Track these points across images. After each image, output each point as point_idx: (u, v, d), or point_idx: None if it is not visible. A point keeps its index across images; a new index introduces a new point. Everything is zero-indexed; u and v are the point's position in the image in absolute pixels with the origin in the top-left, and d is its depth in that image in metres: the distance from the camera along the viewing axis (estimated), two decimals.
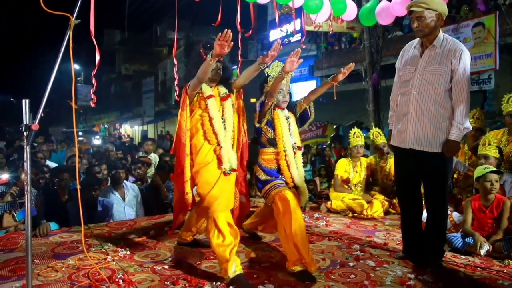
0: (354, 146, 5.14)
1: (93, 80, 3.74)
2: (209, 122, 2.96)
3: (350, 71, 3.20)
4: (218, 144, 2.95)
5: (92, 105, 3.85)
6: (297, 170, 3.22)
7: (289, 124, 3.27)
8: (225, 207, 2.86)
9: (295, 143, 3.27)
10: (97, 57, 3.52)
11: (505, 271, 3.00)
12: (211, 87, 3.04)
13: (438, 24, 2.98)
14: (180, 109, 3.01)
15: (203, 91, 3.00)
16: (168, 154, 7.63)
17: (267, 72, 3.25)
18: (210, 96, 2.99)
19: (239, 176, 3.20)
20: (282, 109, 3.27)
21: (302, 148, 3.44)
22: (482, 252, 3.26)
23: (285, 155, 3.18)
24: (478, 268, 3.05)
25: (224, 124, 3.00)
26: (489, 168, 3.51)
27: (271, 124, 3.21)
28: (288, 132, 3.23)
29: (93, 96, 3.91)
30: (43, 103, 2.37)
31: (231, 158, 2.97)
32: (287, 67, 2.88)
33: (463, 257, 3.31)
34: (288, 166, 3.19)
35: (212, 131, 2.96)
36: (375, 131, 5.30)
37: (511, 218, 3.52)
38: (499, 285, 2.76)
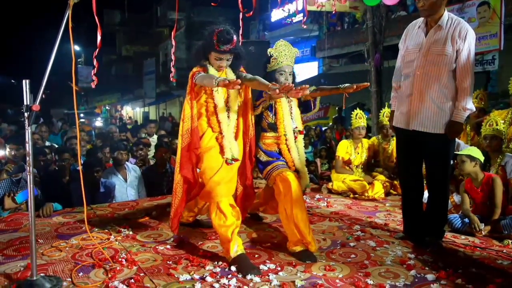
0: (356, 127, 5.13)
1: (95, 62, 3.72)
2: (213, 109, 2.93)
3: (362, 88, 3.09)
4: (221, 133, 2.92)
5: (93, 86, 3.83)
6: (298, 154, 3.21)
7: (291, 107, 3.22)
8: (227, 193, 2.86)
9: (296, 127, 3.24)
10: (99, 37, 3.49)
11: (504, 251, 3.02)
12: (218, 71, 2.98)
13: (443, 3, 2.92)
14: (187, 96, 2.94)
15: None
16: (167, 135, 7.66)
17: (270, 52, 3.17)
18: None
19: (247, 169, 3.14)
20: None
21: (304, 132, 3.41)
22: (482, 228, 3.30)
23: (286, 139, 3.17)
24: (478, 248, 3.07)
25: (228, 113, 2.96)
26: (466, 149, 3.52)
27: (272, 108, 3.17)
28: (289, 116, 3.19)
29: (94, 78, 3.90)
30: (43, 84, 2.36)
31: (233, 148, 2.93)
32: (291, 94, 2.64)
33: (463, 237, 3.33)
34: (289, 150, 3.18)
35: (215, 118, 2.93)
36: (386, 111, 5.25)
37: (508, 198, 3.55)
38: (498, 264, 2.78)
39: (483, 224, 3.35)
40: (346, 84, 2.95)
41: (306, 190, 3.47)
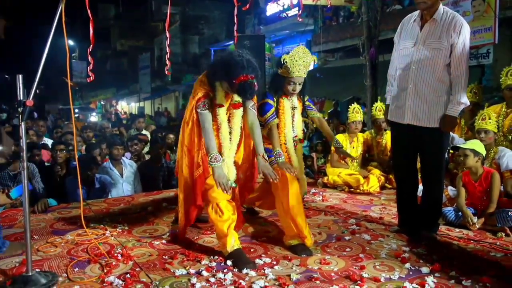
0: (353, 121, 5.14)
1: (90, 58, 3.70)
2: (216, 131, 2.84)
3: (351, 159, 3.29)
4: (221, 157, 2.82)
5: (89, 81, 3.80)
6: (298, 163, 3.21)
7: (294, 115, 3.21)
8: (223, 196, 2.81)
9: (296, 136, 3.24)
10: (91, 32, 3.46)
11: (498, 243, 3.05)
12: (226, 94, 2.83)
13: None
14: (189, 117, 2.86)
15: (217, 98, 2.82)
16: (160, 130, 7.65)
17: (283, 59, 3.06)
18: (220, 105, 2.83)
19: (245, 194, 3.17)
20: (290, 97, 3.21)
21: (304, 140, 3.43)
22: (475, 220, 3.32)
23: (286, 148, 3.18)
24: (472, 241, 3.09)
25: (230, 136, 2.88)
26: (469, 142, 3.53)
27: (276, 113, 3.15)
28: (290, 125, 3.19)
29: (90, 74, 3.88)
30: (37, 79, 2.35)
31: (230, 173, 2.84)
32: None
33: (457, 230, 3.35)
34: (289, 158, 3.19)
35: (218, 141, 2.84)
36: (378, 105, 5.26)
37: (504, 192, 3.57)
38: (492, 257, 2.81)
39: (476, 217, 3.37)
40: (341, 146, 3.39)
41: (304, 197, 3.49)
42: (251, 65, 2.65)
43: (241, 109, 2.91)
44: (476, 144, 3.47)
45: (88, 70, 3.86)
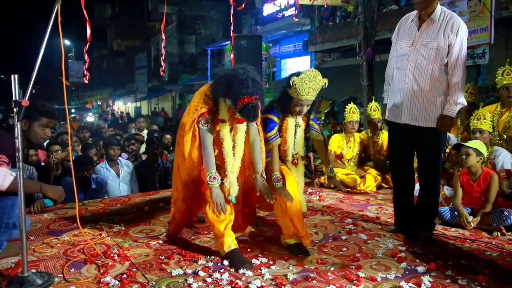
0: (349, 121, 5.14)
1: (86, 56, 3.69)
2: (219, 146, 2.79)
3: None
4: (225, 171, 2.78)
5: (86, 81, 3.79)
6: (298, 180, 3.20)
7: (296, 132, 3.20)
8: None
9: (296, 153, 3.23)
10: (88, 31, 3.45)
11: (493, 242, 3.06)
12: (229, 108, 2.74)
13: None
14: (188, 130, 2.80)
15: (221, 113, 2.76)
16: (157, 131, 7.63)
17: (293, 82, 3.01)
18: (223, 121, 2.77)
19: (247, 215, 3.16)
20: (296, 115, 3.20)
21: (306, 157, 3.43)
22: (471, 219, 3.34)
23: (287, 166, 3.18)
24: (468, 240, 3.11)
25: (233, 151, 2.82)
26: (472, 142, 3.54)
27: (279, 131, 3.14)
28: (292, 143, 3.19)
29: (86, 73, 3.86)
30: (33, 79, 2.34)
31: (232, 188, 2.80)
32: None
33: (453, 229, 3.37)
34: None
35: (221, 156, 2.80)
36: (373, 105, 5.27)
37: (500, 192, 3.58)
38: (488, 256, 2.82)
39: (472, 216, 3.39)
40: (334, 175, 3.52)
41: (305, 213, 3.49)
42: (256, 85, 2.55)
43: (245, 124, 2.84)
44: (479, 144, 3.49)
45: (84, 69, 3.84)
